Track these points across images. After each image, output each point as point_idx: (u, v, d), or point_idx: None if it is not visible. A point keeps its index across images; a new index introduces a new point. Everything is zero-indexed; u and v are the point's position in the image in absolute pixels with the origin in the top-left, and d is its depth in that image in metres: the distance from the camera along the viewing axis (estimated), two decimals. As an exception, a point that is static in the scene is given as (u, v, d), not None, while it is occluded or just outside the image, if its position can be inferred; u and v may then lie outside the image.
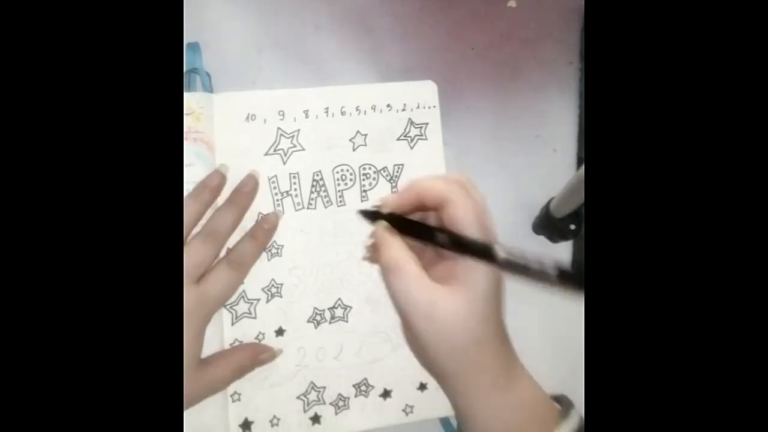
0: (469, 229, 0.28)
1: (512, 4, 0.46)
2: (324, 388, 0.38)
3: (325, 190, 0.40)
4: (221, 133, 0.39)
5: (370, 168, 0.40)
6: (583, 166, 0.35)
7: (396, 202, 0.30)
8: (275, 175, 0.39)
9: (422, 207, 0.30)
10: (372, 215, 0.31)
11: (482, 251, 0.27)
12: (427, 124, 0.41)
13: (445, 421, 0.40)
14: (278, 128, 0.40)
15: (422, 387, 0.39)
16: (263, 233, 0.38)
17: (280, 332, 0.38)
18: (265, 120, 0.39)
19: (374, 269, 0.40)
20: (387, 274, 0.29)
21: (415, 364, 0.39)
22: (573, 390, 0.37)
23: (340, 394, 0.39)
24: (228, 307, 0.38)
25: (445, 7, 0.45)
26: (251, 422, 0.37)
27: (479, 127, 0.44)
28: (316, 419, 0.38)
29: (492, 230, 0.29)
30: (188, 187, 0.37)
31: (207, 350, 0.36)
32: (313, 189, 0.40)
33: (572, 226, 0.41)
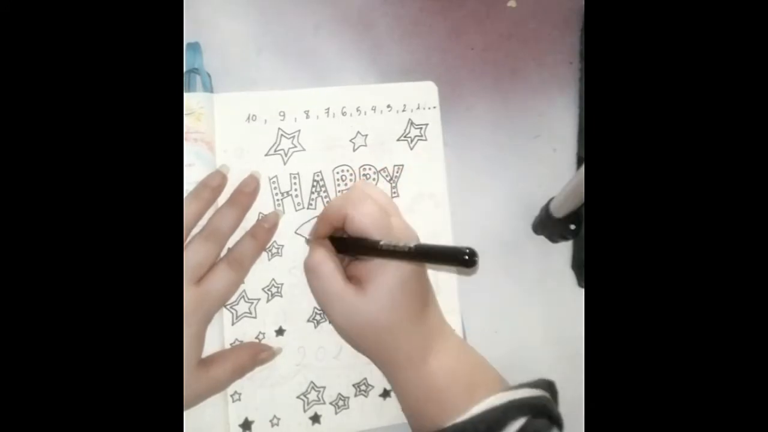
0: (371, 233, 0.33)
1: (512, 4, 0.46)
2: (324, 387, 0.38)
3: (326, 191, 0.40)
4: (222, 133, 0.39)
5: (370, 168, 0.40)
6: (583, 166, 0.35)
7: (314, 229, 0.37)
8: (276, 176, 0.39)
9: (335, 228, 0.36)
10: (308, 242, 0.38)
11: (373, 247, 0.32)
12: (427, 124, 0.41)
13: (445, 421, 0.40)
14: (279, 129, 0.40)
15: (422, 387, 0.39)
16: (263, 233, 0.38)
17: (280, 332, 0.38)
18: (265, 120, 0.39)
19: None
20: (307, 275, 0.35)
21: (415, 364, 0.39)
22: (573, 388, 0.37)
23: (339, 394, 0.39)
24: (228, 306, 0.38)
25: (445, 8, 0.45)
26: (251, 422, 0.37)
27: (479, 127, 0.44)
28: (316, 419, 0.38)
29: (403, 228, 0.35)
30: (188, 187, 0.37)
31: (207, 350, 0.36)
32: (314, 189, 0.40)
33: (572, 226, 0.41)
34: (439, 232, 0.41)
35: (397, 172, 0.41)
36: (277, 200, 0.39)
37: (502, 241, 0.43)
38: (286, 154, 0.40)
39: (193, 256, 0.34)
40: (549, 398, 0.32)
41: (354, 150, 0.40)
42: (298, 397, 0.38)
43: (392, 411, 0.39)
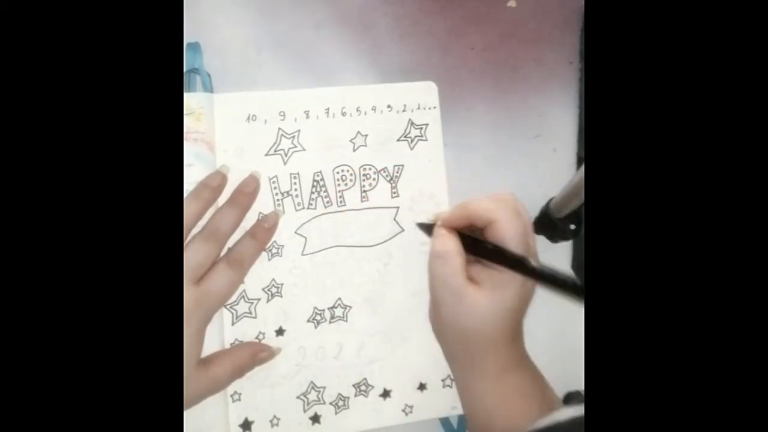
0: (512, 246, 0.32)
1: (512, 4, 0.46)
2: (324, 387, 0.38)
3: (326, 191, 0.40)
4: (222, 133, 0.39)
5: (370, 168, 0.40)
6: (583, 166, 0.35)
7: (448, 218, 0.35)
8: (276, 176, 0.39)
9: (471, 226, 0.35)
10: (428, 228, 0.36)
11: (517, 261, 0.32)
12: (427, 124, 0.41)
13: (444, 421, 0.40)
14: (279, 129, 0.40)
15: (422, 387, 0.39)
16: (263, 232, 0.38)
17: (280, 332, 0.38)
18: (265, 120, 0.39)
19: (374, 270, 0.40)
20: (434, 259, 0.34)
21: (414, 364, 0.39)
22: (573, 388, 0.37)
23: (339, 394, 0.39)
24: (228, 306, 0.38)
25: (445, 8, 0.45)
26: (251, 422, 0.37)
27: (479, 128, 0.44)
28: (316, 419, 0.38)
29: (533, 248, 0.34)
30: (188, 187, 0.37)
31: (207, 350, 0.36)
32: (314, 189, 0.40)
33: (572, 226, 0.41)
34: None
35: (397, 172, 0.41)
36: (277, 200, 0.39)
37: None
38: (286, 154, 0.40)
39: (193, 256, 0.34)
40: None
41: (354, 150, 0.40)
42: (298, 397, 0.38)
43: (392, 411, 0.39)
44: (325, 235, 0.39)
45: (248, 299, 0.38)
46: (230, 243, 0.37)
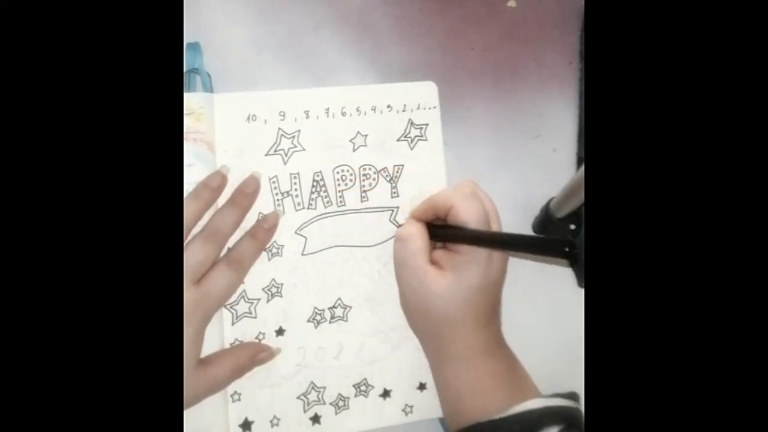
0: (473, 226, 0.33)
1: (512, 4, 0.46)
2: (324, 388, 0.38)
3: (326, 191, 0.40)
4: (222, 133, 0.39)
5: (370, 168, 0.40)
6: (583, 166, 0.35)
7: (415, 211, 0.37)
8: (276, 176, 0.39)
9: (437, 216, 0.36)
10: None
11: (480, 237, 0.33)
12: (427, 124, 0.41)
13: (444, 421, 0.40)
14: (279, 129, 0.40)
15: (422, 387, 0.39)
16: (263, 233, 0.38)
17: (280, 332, 0.38)
18: (265, 120, 0.39)
19: (374, 270, 0.40)
20: (396, 243, 0.36)
21: (414, 364, 0.39)
22: (573, 388, 0.37)
23: (340, 394, 0.39)
24: (228, 307, 0.38)
25: (445, 8, 0.45)
26: (251, 422, 0.37)
27: (479, 128, 0.44)
28: (316, 419, 0.38)
29: (494, 229, 0.35)
30: (188, 187, 0.37)
31: (208, 350, 0.36)
32: (314, 189, 0.40)
33: (572, 226, 0.41)
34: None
35: (397, 172, 0.41)
36: (277, 200, 0.39)
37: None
38: (286, 154, 0.40)
39: (192, 256, 0.34)
40: (581, 411, 0.33)
41: (354, 150, 0.40)
42: (298, 398, 0.38)
43: (392, 411, 0.39)
44: (325, 235, 0.39)
45: (248, 299, 0.38)
46: (230, 243, 0.37)
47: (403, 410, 0.39)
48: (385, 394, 0.39)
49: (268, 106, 0.39)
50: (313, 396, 0.38)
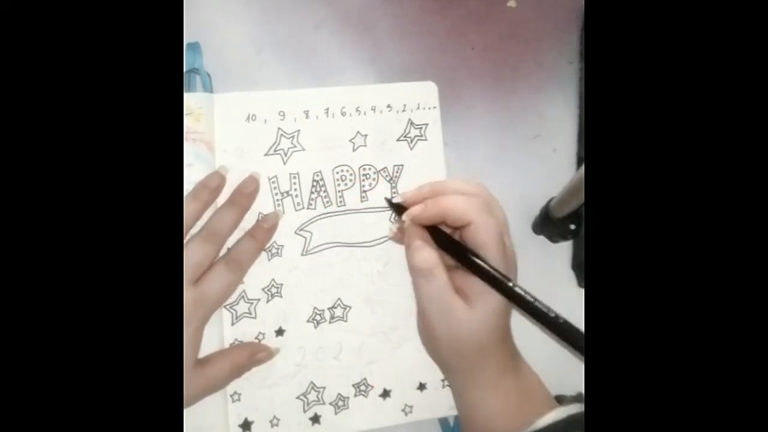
0: (490, 250, 0.32)
1: (512, 4, 0.46)
2: (324, 388, 0.38)
3: (325, 191, 0.40)
4: (221, 133, 0.39)
5: (370, 168, 0.40)
6: (583, 166, 0.35)
7: (420, 214, 0.34)
8: (275, 176, 0.39)
9: (444, 222, 0.34)
10: (397, 207, 0.37)
11: (498, 283, 0.32)
12: (427, 124, 0.41)
13: (444, 421, 0.40)
14: (278, 128, 0.40)
15: (421, 387, 0.39)
16: (263, 233, 0.38)
17: (280, 332, 0.38)
18: (265, 120, 0.39)
19: (374, 270, 0.40)
20: (418, 276, 0.34)
21: (414, 364, 0.39)
22: (573, 388, 0.37)
23: (339, 394, 0.39)
24: (228, 307, 0.38)
25: (445, 8, 0.45)
26: (251, 422, 0.37)
27: (479, 128, 0.44)
28: (315, 419, 0.38)
29: (511, 249, 0.34)
30: (188, 187, 0.37)
31: (207, 350, 0.36)
32: (313, 189, 0.40)
33: (572, 226, 0.41)
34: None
35: (397, 172, 0.41)
36: (277, 200, 0.39)
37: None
38: (285, 154, 0.39)
39: (191, 256, 0.34)
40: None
41: (354, 150, 0.40)
42: (297, 398, 0.38)
43: (392, 411, 0.39)
44: (325, 235, 0.39)
45: (248, 299, 0.38)
46: (230, 243, 0.37)
47: (403, 410, 0.39)
48: (385, 394, 0.39)
49: (267, 106, 0.39)
50: (312, 396, 0.38)
